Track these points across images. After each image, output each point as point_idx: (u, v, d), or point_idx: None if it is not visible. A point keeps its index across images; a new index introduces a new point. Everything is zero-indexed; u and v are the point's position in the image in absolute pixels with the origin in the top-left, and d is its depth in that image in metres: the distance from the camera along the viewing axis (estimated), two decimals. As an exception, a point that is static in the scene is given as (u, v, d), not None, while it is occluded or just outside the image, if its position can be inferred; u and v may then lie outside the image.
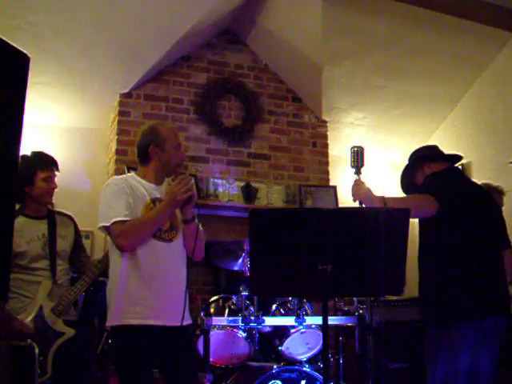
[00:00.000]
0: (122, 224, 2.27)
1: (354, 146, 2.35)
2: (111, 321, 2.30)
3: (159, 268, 2.33)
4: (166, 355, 2.34)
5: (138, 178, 2.45)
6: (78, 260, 2.99)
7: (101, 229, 2.34)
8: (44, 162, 2.83)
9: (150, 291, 2.28)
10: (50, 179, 2.82)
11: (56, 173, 2.87)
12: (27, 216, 2.80)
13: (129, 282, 2.29)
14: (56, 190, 2.89)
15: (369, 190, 2.31)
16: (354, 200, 2.34)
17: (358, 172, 2.33)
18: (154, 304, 2.28)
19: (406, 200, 2.52)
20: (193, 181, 2.38)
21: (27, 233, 2.75)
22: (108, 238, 2.39)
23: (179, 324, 2.32)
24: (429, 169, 2.61)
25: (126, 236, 2.27)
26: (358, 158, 2.30)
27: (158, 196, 2.44)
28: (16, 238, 2.65)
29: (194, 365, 2.48)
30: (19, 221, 2.73)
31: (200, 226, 2.45)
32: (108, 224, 2.28)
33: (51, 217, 2.89)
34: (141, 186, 2.41)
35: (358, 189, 2.29)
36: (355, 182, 2.33)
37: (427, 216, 2.39)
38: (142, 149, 2.46)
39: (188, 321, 2.40)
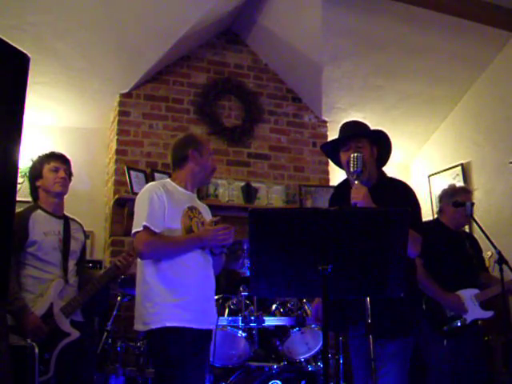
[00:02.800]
0: (151, 233, 2.33)
1: (354, 152, 2.36)
2: (152, 324, 2.31)
3: (199, 273, 2.42)
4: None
5: (174, 184, 2.53)
6: (80, 266, 3.00)
7: (134, 235, 2.39)
8: (50, 156, 2.93)
9: (191, 295, 2.36)
10: (57, 169, 2.88)
11: (65, 166, 2.94)
12: (45, 210, 2.86)
13: (171, 286, 2.34)
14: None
15: (367, 195, 2.32)
16: (353, 203, 2.35)
17: (358, 178, 2.34)
18: (196, 308, 2.36)
19: None
20: (233, 233, 2.49)
21: (46, 225, 2.81)
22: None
23: (213, 327, 2.46)
24: (374, 157, 2.54)
25: (149, 248, 2.35)
26: (357, 164, 2.32)
27: (194, 204, 2.53)
28: (34, 228, 2.73)
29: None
30: (38, 213, 2.81)
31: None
32: (140, 229, 2.33)
33: (66, 219, 2.96)
34: (177, 193, 2.49)
35: (358, 192, 2.30)
36: (355, 186, 2.34)
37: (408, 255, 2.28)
38: (180, 153, 2.56)
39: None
